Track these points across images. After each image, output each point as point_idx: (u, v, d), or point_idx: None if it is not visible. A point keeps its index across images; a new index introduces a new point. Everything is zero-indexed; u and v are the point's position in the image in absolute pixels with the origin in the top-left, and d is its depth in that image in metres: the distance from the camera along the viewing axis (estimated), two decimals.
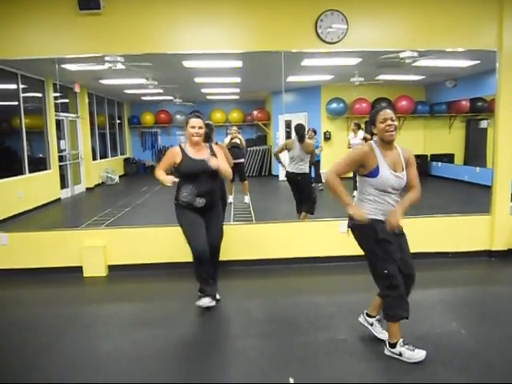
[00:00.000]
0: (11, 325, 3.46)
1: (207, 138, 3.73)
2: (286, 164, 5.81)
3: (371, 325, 3.05)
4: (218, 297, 3.74)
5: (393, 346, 2.76)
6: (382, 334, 2.97)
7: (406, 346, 2.73)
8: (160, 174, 3.48)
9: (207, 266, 3.50)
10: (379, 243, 2.68)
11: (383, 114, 2.67)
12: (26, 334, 3.27)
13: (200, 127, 3.46)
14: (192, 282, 4.09)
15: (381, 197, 2.71)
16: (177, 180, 3.41)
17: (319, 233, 4.75)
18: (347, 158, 2.76)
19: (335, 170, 2.73)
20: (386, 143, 2.71)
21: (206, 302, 3.50)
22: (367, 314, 3.08)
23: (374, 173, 2.67)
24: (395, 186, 2.70)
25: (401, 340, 2.75)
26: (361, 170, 2.72)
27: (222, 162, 3.51)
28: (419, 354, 2.71)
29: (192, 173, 3.42)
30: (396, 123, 2.69)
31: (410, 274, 2.77)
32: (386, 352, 2.80)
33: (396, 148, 2.78)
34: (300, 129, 5.68)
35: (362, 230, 2.75)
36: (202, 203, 3.46)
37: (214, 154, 3.57)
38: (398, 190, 2.74)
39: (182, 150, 3.50)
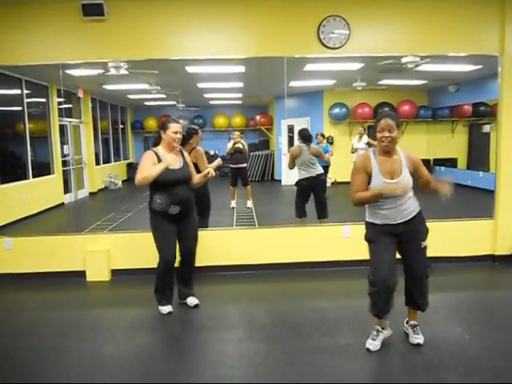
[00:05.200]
0: (16, 328, 3.47)
1: (182, 142, 3.77)
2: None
3: (407, 330, 3.08)
4: (196, 302, 3.74)
5: None
6: (415, 339, 2.96)
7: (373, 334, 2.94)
8: (149, 170, 3.34)
9: (172, 275, 3.62)
10: (368, 243, 2.89)
11: (381, 124, 2.73)
12: (31, 337, 3.28)
13: (181, 133, 3.50)
14: (194, 287, 4.10)
15: (375, 204, 2.81)
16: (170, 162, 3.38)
17: (322, 237, 4.75)
18: (352, 174, 2.87)
19: (353, 191, 2.83)
20: (383, 151, 2.79)
21: (165, 309, 3.61)
22: (407, 322, 3.10)
23: (370, 180, 2.79)
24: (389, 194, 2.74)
25: (376, 328, 2.94)
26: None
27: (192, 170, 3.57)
28: (372, 345, 2.88)
29: (168, 183, 3.39)
30: (393, 134, 2.72)
31: (413, 275, 2.88)
32: None
33: (398, 153, 2.82)
34: (305, 131, 5.69)
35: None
36: (176, 211, 3.45)
37: (185, 160, 3.59)
38: (397, 195, 2.75)
39: (158, 157, 3.44)
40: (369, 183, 2.80)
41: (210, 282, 4.37)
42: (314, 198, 5.65)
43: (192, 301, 3.75)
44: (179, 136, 3.47)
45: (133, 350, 3.07)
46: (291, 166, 5.63)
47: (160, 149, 3.52)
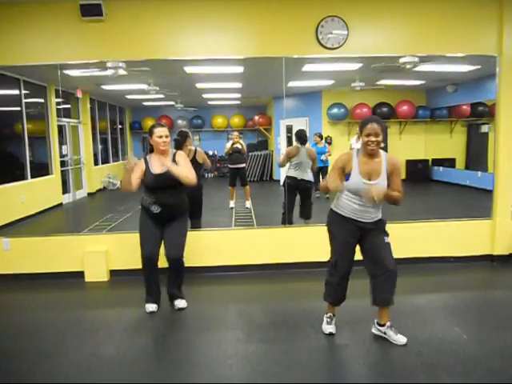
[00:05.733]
0: (14, 329, 3.47)
1: (179, 146, 3.77)
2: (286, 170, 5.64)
3: (385, 334, 3.04)
4: (182, 305, 3.72)
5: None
6: (401, 339, 2.98)
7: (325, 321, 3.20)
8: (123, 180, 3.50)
9: (153, 273, 3.67)
10: (329, 232, 3.11)
11: (368, 129, 2.84)
12: (30, 338, 3.27)
13: (166, 136, 3.51)
14: (193, 287, 4.10)
15: (352, 199, 2.95)
16: (135, 161, 3.50)
17: (321, 237, 4.73)
18: (332, 167, 3.08)
19: (327, 181, 2.99)
20: (367, 153, 2.91)
21: (148, 307, 3.67)
22: (378, 324, 3.09)
23: (347, 177, 2.94)
24: (362, 192, 2.86)
25: (327, 316, 3.22)
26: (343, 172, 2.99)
27: (180, 168, 3.49)
28: (332, 329, 3.15)
29: (151, 186, 3.52)
30: (380, 138, 2.85)
31: (380, 268, 2.94)
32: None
33: (380, 156, 2.93)
34: (302, 132, 5.67)
35: None
36: (157, 210, 3.52)
37: (175, 162, 3.54)
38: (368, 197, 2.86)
39: (146, 162, 3.56)
40: (346, 178, 2.95)
41: (208, 283, 4.37)
42: (299, 200, 5.62)
43: (178, 303, 3.73)
44: (164, 139, 3.50)
45: (131, 350, 3.07)
46: (283, 164, 5.62)
47: (152, 155, 3.59)
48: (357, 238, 3.03)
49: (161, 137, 3.48)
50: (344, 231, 3.01)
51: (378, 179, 2.89)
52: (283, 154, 5.68)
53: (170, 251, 3.59)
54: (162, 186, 3.49)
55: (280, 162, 5.73)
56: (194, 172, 3.60)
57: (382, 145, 2.91)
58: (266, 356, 2.91)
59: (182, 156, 3.65)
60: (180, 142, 4.77)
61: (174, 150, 3.68)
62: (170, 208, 3.54)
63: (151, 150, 3.62)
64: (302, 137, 5.63)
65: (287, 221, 5.34)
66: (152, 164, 3.53)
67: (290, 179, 5.55)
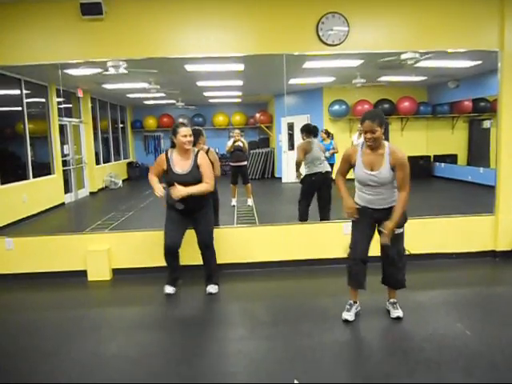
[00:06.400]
0: (17, 328, 3.48)
1: (193, 143, 3.92)
2: (302, 170, 5.46)
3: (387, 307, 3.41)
4: (211, 291, 3.97)
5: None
6: (394, 313, 3.30)
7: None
8: (152, 180, 3.80)
9: (173, 260, 3.91)
10: (352, 222, 3.30)
11: (364, 127, 3.00)
12: (32, 337, 3.28)
13: (190, 135, 3.66)
14: (195, 285, 4.11)
15: (361, 189, 3.19)
16: (163, 194, 3.70)
17: (323, 235, 4.75)
18: (341, 159, 3.32)
19: (338, 170, 3.35)
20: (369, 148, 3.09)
21: (165, 288, 3.97)
22: (388, 300, 3.40)
23: (354, 169, 3.19)
24: (368, 182, 3.11)
25: (349, 303, 3.35)
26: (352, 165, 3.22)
27: (198, 186, 3.66)
28: (349, 316, 3.27)
29: (173, 184, 3.65)
30: (376, 135, 2.97)
31: (386, 256, 3.21)
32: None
33: (383, 148, 3.05)
34: (309, 125, 5.56)
35: None
36: (181, 207, 3.70)
37: (197, 162, 3.71)
38: (376, 184, 3.09)
39: (167, 160, 3.72)
40: (354, 170, 3.21)
41: None
42: (317, 198, 5.46)
43: (209, 288, 3.99)
44: (189, 139, 3.64)
45: (134, 349, 3.07)
46: (301, 161, 5.41)
47: (174, 152, 3.75)
48: (373, 225, 3.24)
49: (185, 136, 3.62)
50: (362, 219, 3.22)
51: (379, 170, 3.04)
52: (299, 152, 5.42)
53: (202, 238, 3.89)
54: (184, 184, 3.63)
55: (298, 160, 5.47)
56: (212, 176, 3.80)
57: (383, 137, 3.03)
58: (270, 353, 2.91)
59: (204, 160, 3.78)
60: (195, 139, 4.72)
61: (196, 150, 3.81)
62: (192, 203, 3.70)
63: (172, 146, 3.77)
64: (310, 130, 5.47)
65: (304, 216, 5.37)
66: (174, 162, 3.71)
67: (315, 176, 5.37)
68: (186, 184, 3.62)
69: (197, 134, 4.65)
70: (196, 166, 3.70)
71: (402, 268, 3.26)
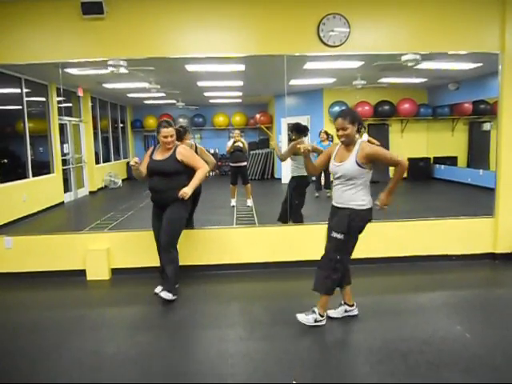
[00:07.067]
0: (16, 327, 3.47)
1: (179, 137, 4.16)
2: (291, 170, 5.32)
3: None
4: (166, 296, 3.76)
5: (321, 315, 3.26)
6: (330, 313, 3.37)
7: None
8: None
9: (161, 255, 3.92)
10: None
11: (336, 124, 3.12)
12: (32, 336, 3.28)
13: (171, 136, 3.82)
14: (195, 285, 4.11)
15: (334, 183, 3.27)
16: (137, 160, 3.80)
17: (323, 236, 4.73)
18: (324, 151, 3.47)
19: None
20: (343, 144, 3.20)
21: (157, 288, 3.97)
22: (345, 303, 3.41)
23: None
24: (334, 173, 3.21)
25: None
26: None
27: (193, 180, 3.80)
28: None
29: (149, 171, 3.86)
30: (347, 132, 3.07)
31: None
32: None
33: (355, 145, 3.12)
34: (299, 124, 5.37)
35: None
36: (151, 196, 3.91)
37: (175, 154, 3.82)
38: (339, 176, 3.15)
39: (152, 152, 3.94)
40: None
41: (210, 281, 4.37)
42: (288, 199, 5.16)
43: (158, 291, 3.89)
44: (169, 139, 3.80)
45: (133, 348, 3.07)
46: (285, 158, 5.25)
47: (160, 147, 3.92)
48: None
49: (166, 137, 3.79)
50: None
51: (343, 162, 3.13)
52: (289, 149, 5.24)
53: (161, 236, 3.86)
54: (157, 172, 3.81)
55: (283, 156, 5.29)
56: (200, 159, 3.95)
57: (355, 135, 3.11)
58: (268, 354, 2.90)
59: (185, 151, 3.89)
60: (180, 135, 4.75)
61: (176, 144, 3.93)
62: (160, 193, 3.83)
63: (159, 142, 3.93)
64: (302, 129, 5.30)
65: (282, 219, 5.16)
66: (156, 154, 3.91)
67: (305, 178, 5.20)
68: (162, 171, 3.78)
69: (183, 132, 4.71)
70: (174, 157, 3.81)
71: (324, 271, 3.22)
